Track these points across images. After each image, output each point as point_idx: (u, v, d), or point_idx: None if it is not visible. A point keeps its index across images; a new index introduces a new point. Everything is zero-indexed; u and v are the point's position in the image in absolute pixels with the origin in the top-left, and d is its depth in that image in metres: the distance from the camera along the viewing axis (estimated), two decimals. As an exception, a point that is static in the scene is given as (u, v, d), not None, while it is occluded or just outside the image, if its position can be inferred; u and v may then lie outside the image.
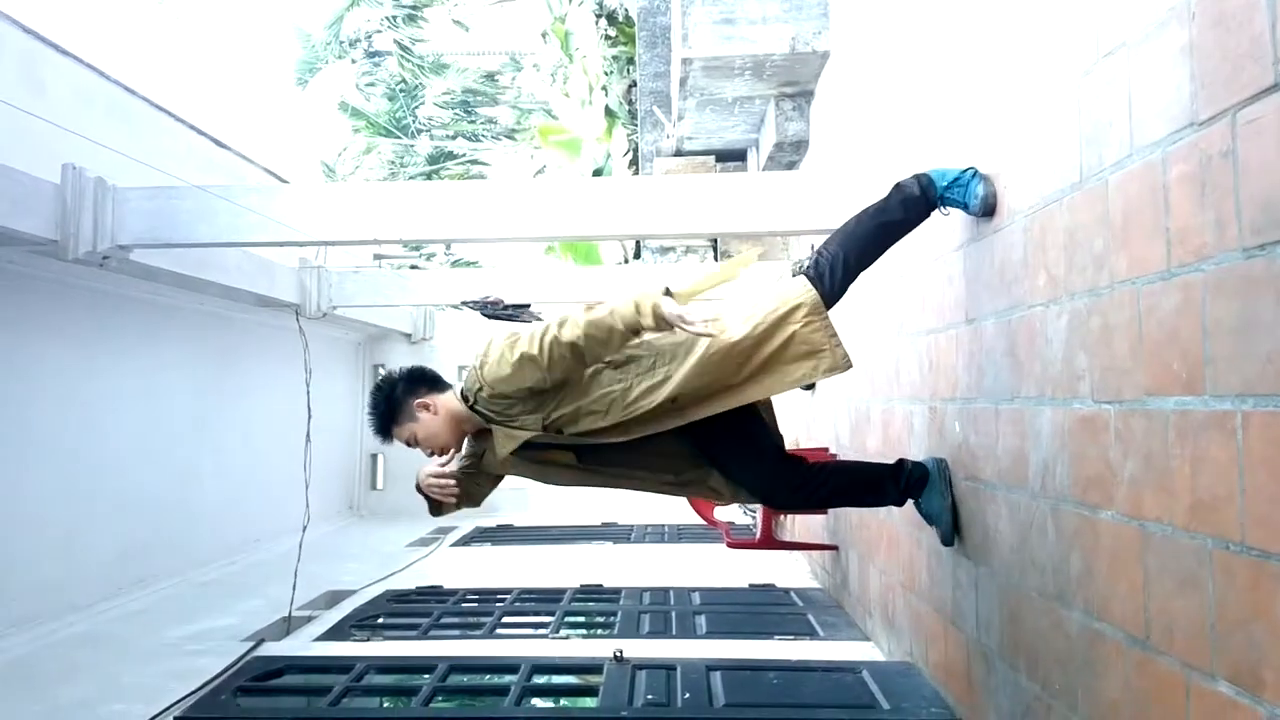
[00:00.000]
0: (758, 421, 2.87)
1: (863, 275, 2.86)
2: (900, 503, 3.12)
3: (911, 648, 3.69)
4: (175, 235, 4.45)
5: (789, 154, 6.42)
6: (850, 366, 2.71)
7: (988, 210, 2.71)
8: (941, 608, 3.24)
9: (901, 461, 3.09)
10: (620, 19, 13.31)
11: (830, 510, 5.13)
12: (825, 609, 5.00)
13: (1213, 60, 1.65)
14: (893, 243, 2.89)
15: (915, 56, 3.58)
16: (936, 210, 2.85)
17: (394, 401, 2.82)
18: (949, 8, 3.16)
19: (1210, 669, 1.66)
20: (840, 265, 2.77)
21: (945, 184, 2.79)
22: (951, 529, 3.01)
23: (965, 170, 2.77)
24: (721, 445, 2.84)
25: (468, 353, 10.14)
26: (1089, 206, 2.12)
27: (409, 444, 2.85)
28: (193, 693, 3.76)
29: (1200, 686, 1.69)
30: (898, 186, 2.86)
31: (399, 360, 10.62)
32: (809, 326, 2.69)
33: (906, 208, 2.84)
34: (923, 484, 3.03)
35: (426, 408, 2.80)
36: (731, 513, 7.56)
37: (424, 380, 2.86)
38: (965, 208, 2.78)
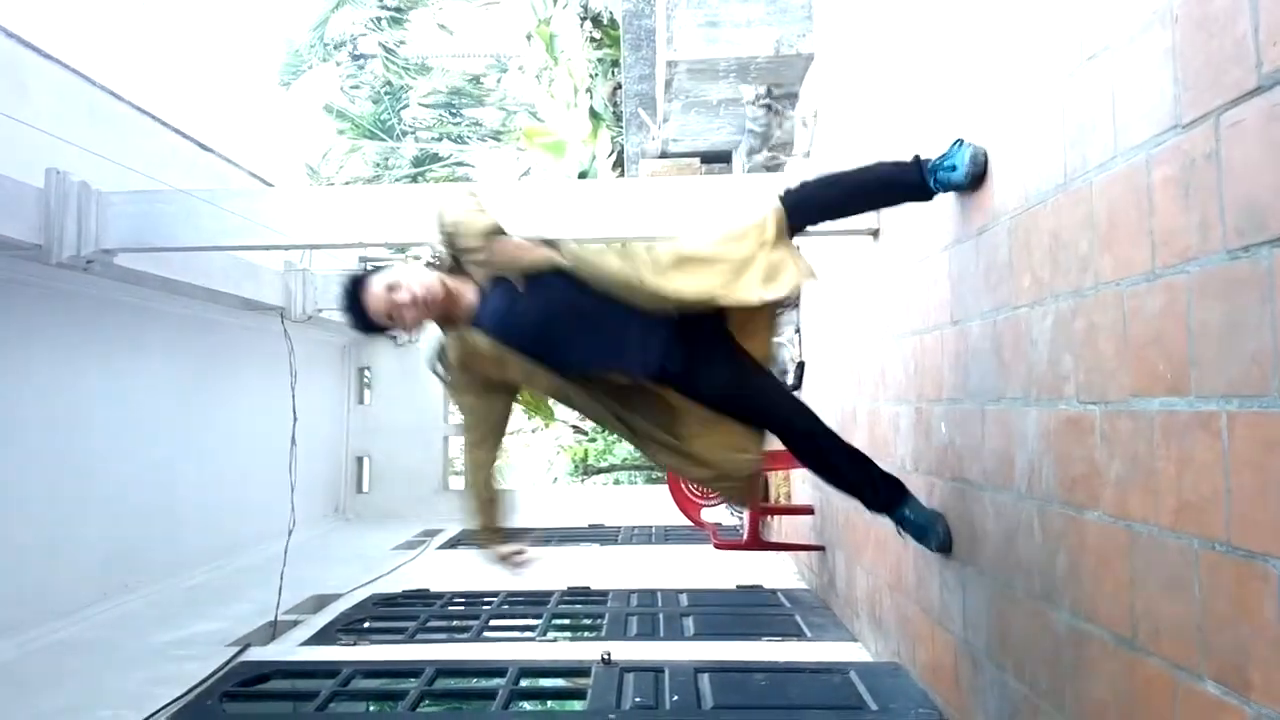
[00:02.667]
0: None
1: (833, 223, 2.86)
2: (876, 505, 3.02)
3: (899, 648, 3.70)
4: (159, 239, 4.43)
5: (773, 155, 6.43)
6: (814, 277, 2.71)
7: (977, 170, 2.67)
8: (929, 608, 3.25)
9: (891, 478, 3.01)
10: (605, 21, 13.31)
11: (816, 510, 5.15)
12: (812, 610, 5.01)
13: (1196, 63, 1.66)
14: (874, 198, 2.90)
15: (898, 59, 3.59)
16: (930, 184, 2.80)
17: (361, 278, 2.65)
18: (932, 11, 3.18)
19: (1197, 669, 1.67)
20: (816, 193, 2.78)
21: (939, 159, 2.79)
22: (947, 533, 2.95)
23: (951, 145, 2.77)
24: (749, 387, 2.73)
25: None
26: (1074, 208, 2.14)
27: (390, 316, 2.59)
28: (178, 699, 3.74)
29: (1188, 686, 1.70)
30: (878, 161, 2.89)
31: (385, 363, 10.59)
32: (772, 241, 2.65)
33: (898, 166, 2.85)
34: (900, 496, 2.97)
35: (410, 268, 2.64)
36: (719, 514, 7.57)
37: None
38: (953, 172, 2.72)
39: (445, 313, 2.63)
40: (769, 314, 2.81)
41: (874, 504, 3.02)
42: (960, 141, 2.73)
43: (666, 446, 2.73)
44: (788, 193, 2.76)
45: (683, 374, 2.66)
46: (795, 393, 5.89)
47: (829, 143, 4.99)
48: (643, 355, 2.62)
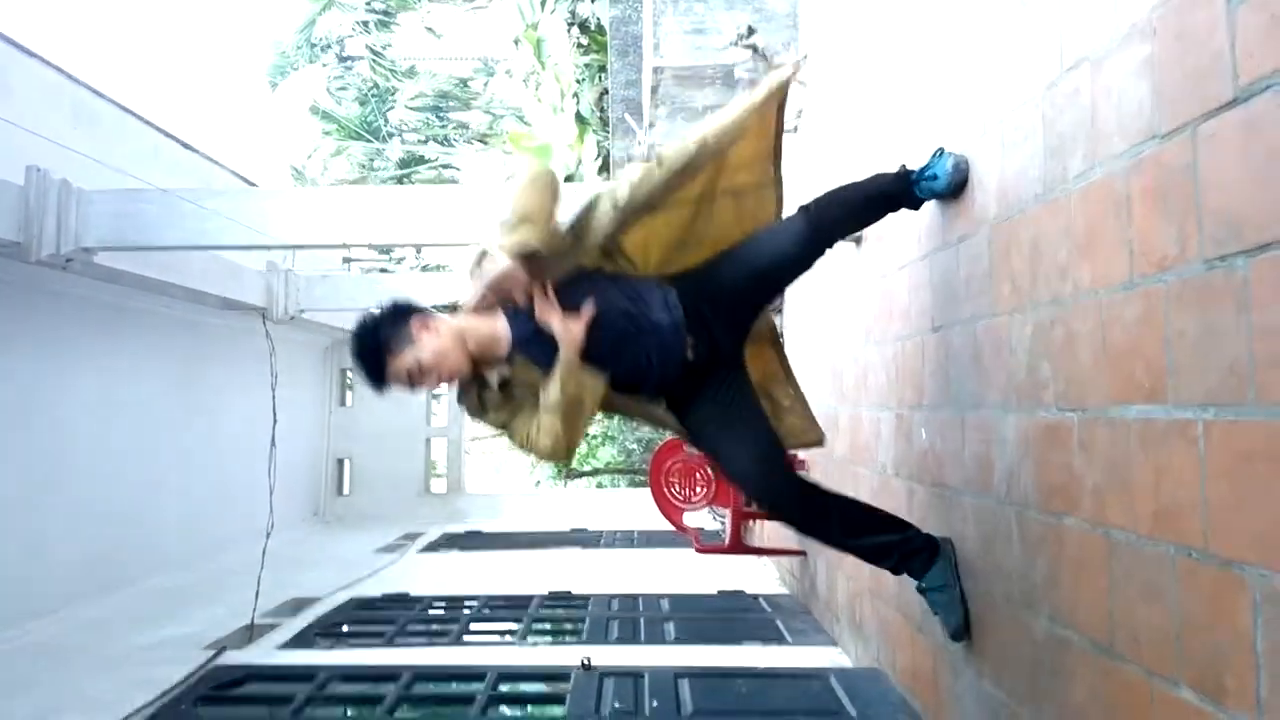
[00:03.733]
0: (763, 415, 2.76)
1: (840, 243, 2.84)
2: (897, 571, 2.77)
3: (879, 654, 3.71)
4: (140, 238, 4.41)
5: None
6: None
7: (959, 178, 2.68)
8: (909, 614, 3.26)
9: (908, 525, 2.79)
10: (592, 27, 13.33)
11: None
12: (793, 615, 5.02)
13: (1174, 75, 1.68)
14: (875, 213, 2.86)
15: (882, 68, 3.61)
16: (916, 193, 2.80)
17: (384, 333, 2.38)
18: (916, 20, 3.20)
19: (1174, 675, 1.68)
20: (831, 213, 2.72)
21: (921, 169, 2.79)
22: (963, 623, 2.66)
23: (932, 154, 2.78)
24: (720, 409, 2.66)
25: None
26: (1053, 217, 2.15)
27: (410, 381, 2.39)
28: (153, 702, 3.71)
29: (1164, 693, 1.71)
30: (880, 172, 2.88)
31: (367, 365, 10.55)
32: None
33: (886, 179, 2.84)
34: (930, 558, 2.71)
35: (426, 327, 2.39)
36: (701, 518, 7.57)
37: (412, 308, 2.45)
38: (935, 181, 2.73)
39: (472, 364, 2.46)
40: (772, 335, 2.84)
41: (893, 570, 2.79)
42: (941, 151, 2.75)
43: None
44: (811, 211, 2.70)
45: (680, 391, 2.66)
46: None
47: (813, 150, 5.00)
48: (661, 371, 2.57)
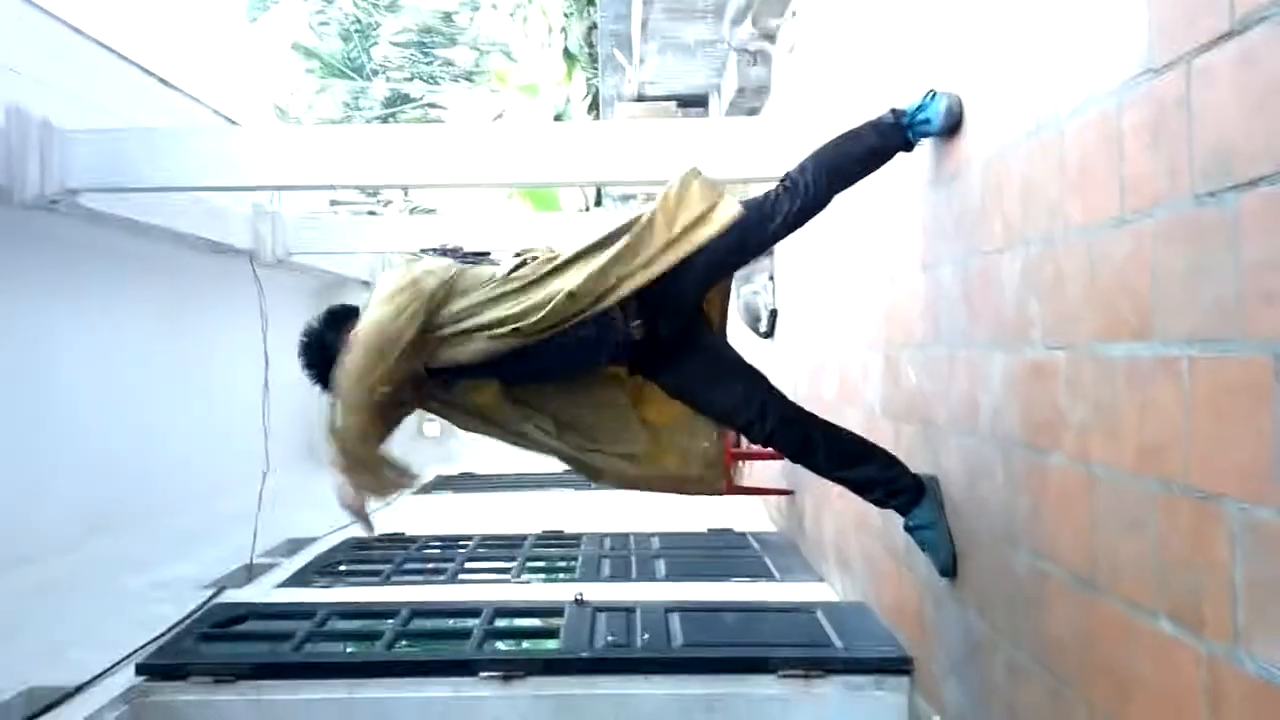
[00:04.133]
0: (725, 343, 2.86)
1: (837, 198, 2.81)
2: (882, 505, 2.83)
3: (865, 589, 3.78)
4: (124, 179, 4.34)
5: (750, 100, 6.37)
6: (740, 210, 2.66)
7: (953, 119, 2.65)
8: (893, 549, 3.31)
9: (895, 462, 2.81)
10: (580, -42, 13.03)
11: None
12: (782, 552, 5.09)
13: (1169, 6, 1.65)
14: (865, 165, 2.81)
15: (876, 1, 3.55)
16: (909, 137, 2.76)
17: (327, 344, 2.66)
18: (911, -49, 3.14)
19: (1153, 607, 1.72)
20: (817, 178, 2.69)
21: (912, 111, 2.75)
22: (951, 559, 2.70)
23: (924, 96, 2.73)
24: (695, 367, 2.76)
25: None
26: (1045, 154, 2.14)
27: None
28: (153, 640, 3.76)
29: (1141, 625, 1.75)
30: (872, 121, 2.83)
31: (360, 303, 10.49)
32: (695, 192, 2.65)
33: (879, 132, 2.78)
34: (916, 496, 2.76)
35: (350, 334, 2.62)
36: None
37: (345, 314, 2.73)
38: (928, 124, 2.70)
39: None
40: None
41: (878, 503, 2.85)
42: (933, 93, 2.71)
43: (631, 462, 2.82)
44: (793, 179, 2.69)
45: (652, 345, 2.71)
46: (768, 339, 5.92)
47: (807, 86, 4.95)
48: (613, 343, 2.66)
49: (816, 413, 2.88)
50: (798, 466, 2.92)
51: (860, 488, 2.83)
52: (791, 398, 2.89)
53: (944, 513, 2.75)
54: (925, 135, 2.75)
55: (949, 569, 2.71)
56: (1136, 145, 1.76)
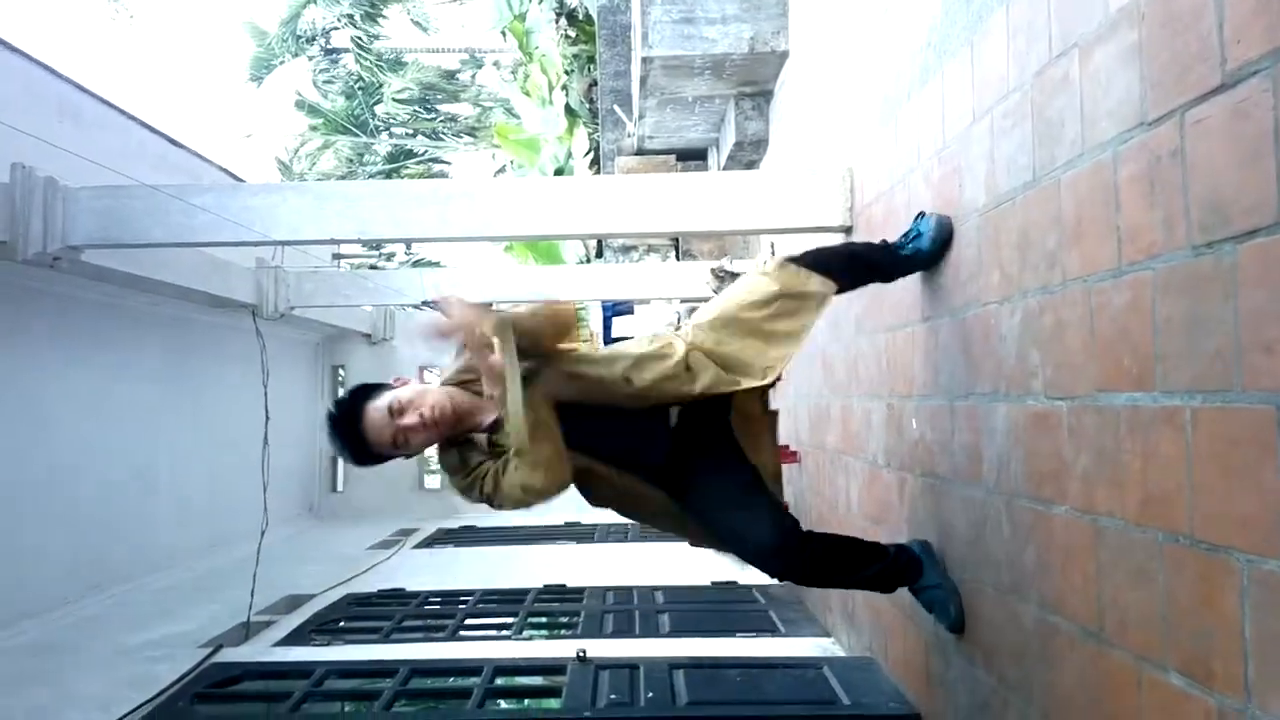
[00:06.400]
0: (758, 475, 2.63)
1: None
2: (890, 589, 2.85)
3: (871, 643, 3.72)
4: (127, 235, 4.36)
5: (749, 153, 6.44)
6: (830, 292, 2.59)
7: (944, 234, 2.71)
8: (899, 602, 3.27)
9: (887, 548, 2.80)
10: (580, 17, 13.27)
11: (790, 507, 5.15)
12: (786, 605, 5.03)
13: (1162, 60, 1.68)
14: (862, 274, 2.86)
15: (872, 56, 3.60)
16: (900, 253, 2.82)
17: (357, 407, 2.34)
18: (904, 7, 3.19)
19: (1162, 660, 1.69)
20: (830, 262, 2.69)
21: (901, 237, 2.85)
22: (960, 614, 2.67)
23: (915, 221, 2.82)
24: (715, 490, 2.57)
25: (428, 354, 10.08)
26: (1042, 205, 2.15)
27: (395, 443, 2.33)
28: (149, 700, 3.70)
29: (1152, 678, 1.72)
30: (866, 242, 2.91)
31: (359, 361, 10.52)
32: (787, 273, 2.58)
33: (871, 248, 2.89)
34: (917, 565, 2.78)
35: (403, 381, 2.41)
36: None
37: (376, 385, 2.45)
38: (920, 237, 2.76)
39: (456, 429, 2.39)
40: (766, 413, 2.72)
41: (888, 589, 2.86)
42: (922, 214, 2.81)
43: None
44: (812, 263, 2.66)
45: (670, 471, 2.56)
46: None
47: (804, 141, 5.00)
48: (647, 448, 2.54)
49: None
50: (802, 519, 2.88)
51: (869, 584, 2.84)
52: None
53: (945, 570, 2.76)
54: (918, 252, 2.79)
55: (959, 625, 2.68)
56: (1133, 196, 1.77)
